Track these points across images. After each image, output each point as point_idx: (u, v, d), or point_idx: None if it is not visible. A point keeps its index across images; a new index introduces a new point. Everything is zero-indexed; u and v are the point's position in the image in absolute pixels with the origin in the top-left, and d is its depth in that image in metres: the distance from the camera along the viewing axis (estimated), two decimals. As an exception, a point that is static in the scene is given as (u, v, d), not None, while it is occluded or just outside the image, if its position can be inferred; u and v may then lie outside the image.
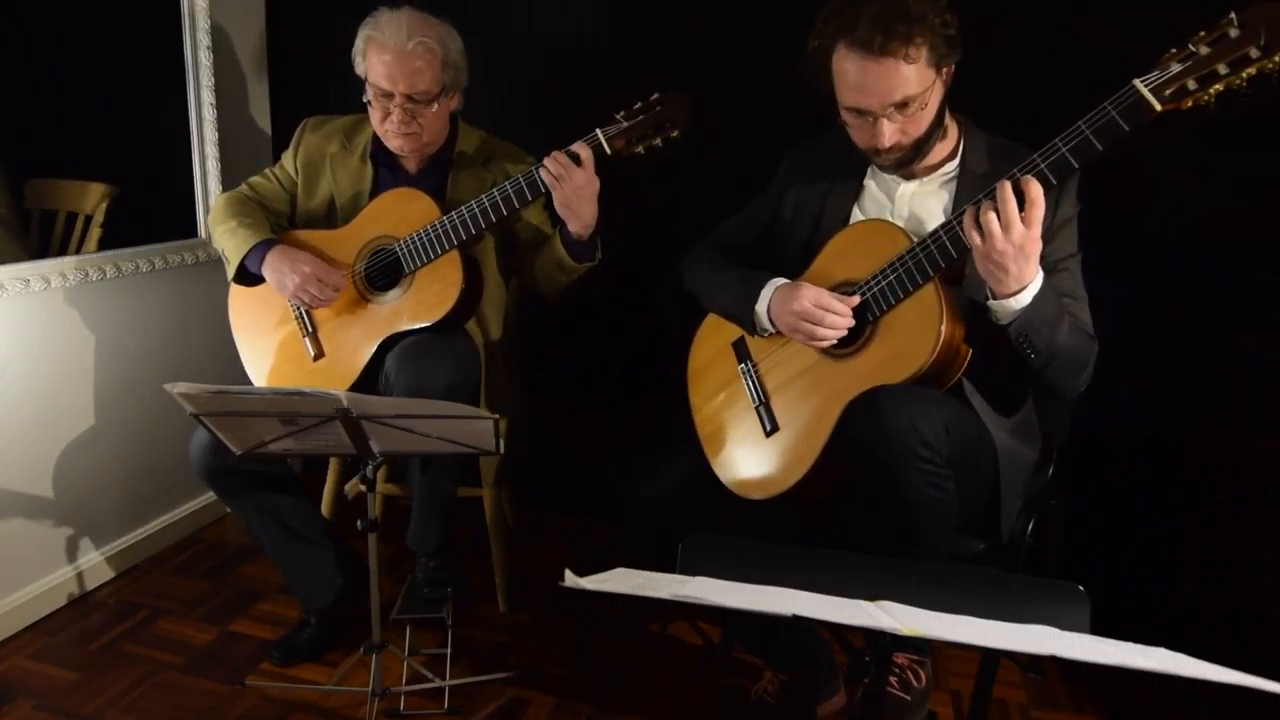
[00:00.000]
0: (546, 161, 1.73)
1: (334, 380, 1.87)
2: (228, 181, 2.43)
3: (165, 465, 2.39)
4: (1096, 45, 1.71)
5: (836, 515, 1.53)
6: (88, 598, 2.18)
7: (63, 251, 2.10)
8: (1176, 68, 1.20)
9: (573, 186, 1.72)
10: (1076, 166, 1.29)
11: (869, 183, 1.62)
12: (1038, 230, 1.28)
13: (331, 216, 1.98)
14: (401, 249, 1.83)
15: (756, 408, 1.57)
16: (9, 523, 2.01)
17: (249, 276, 1.91)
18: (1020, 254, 1.28)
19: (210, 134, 2.41)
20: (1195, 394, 1.99)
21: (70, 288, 2.08)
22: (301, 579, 1.94)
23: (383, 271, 1.88)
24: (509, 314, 2.11)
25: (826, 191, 1.64)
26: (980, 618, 0.97)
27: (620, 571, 1.04)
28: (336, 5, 1.90)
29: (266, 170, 2.06)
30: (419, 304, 1.83)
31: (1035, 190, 1.27)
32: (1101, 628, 0.97)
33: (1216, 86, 1.18)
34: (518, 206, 1.79)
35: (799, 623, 1.53)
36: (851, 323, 1.46)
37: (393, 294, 1.86)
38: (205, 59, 2.36)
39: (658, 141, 1.73)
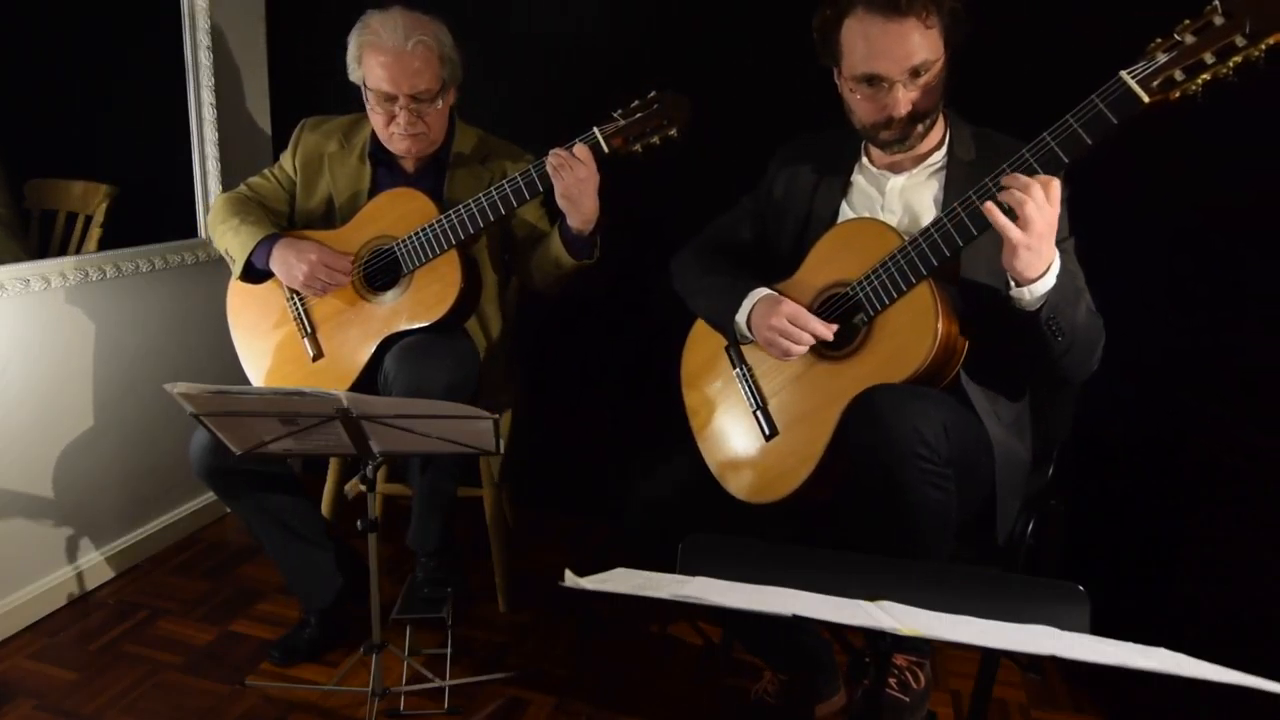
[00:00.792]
0: (549, 155, 1.73)
1: (333, 380, 1.87)
2: (228, 181, 2.43)
3: (165, 465, 2.39)
4: (1083, 37, 1.72)
5: (836, 516, 1.53)
6: (88, 598, 2.18)
7: (63, 251, 2.10)
8: (1163, 58, 1.20)
9: (574, 178, 1.72)
10: (1066, 160, 1.29)
11: (858, 178, 1.62)
12: (1059, 208, 1.27)
13: (330, 216, 1.98)
14: (400, 249, 1.83)
15: (754, 412, 1.56)
16: (9, 523, 2.01)
17: (254, 274, 1.92)
18: (1052, 234, 1.28)
19: (210, 134, 2.41)
20: (1195, 393, 1.99)
21: (70, 288, 2.08)
22: (301, 579, 1.94)
23: (381, 271, 1.88)
24: (508, 313, 2.11)
25: (815, 187, 1.64)
26: (980, 618, 0.97)
27: (620, 571, 1.04)
28: (336, 5, 1.90)
29: (265, 170, 2.06)
30: (418, 304, 1.83)
31: (1054, 185, 1.26)
32: (1101, 628, 0.97)
33: (1204, 76, 1.18)
34: (515, 205, 1.80)
35: (799, 623, 1.53)
36: (829, 341, 1.47)
37: (391, 294, 1.86)
38: (205, 59, 2.36)
39: (655, 140, 1.73)
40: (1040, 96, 1.36)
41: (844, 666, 1.73)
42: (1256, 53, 1.15)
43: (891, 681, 1.62)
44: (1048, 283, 1.30)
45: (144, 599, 2.17)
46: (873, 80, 1.44)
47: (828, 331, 1.46)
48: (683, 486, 1.62)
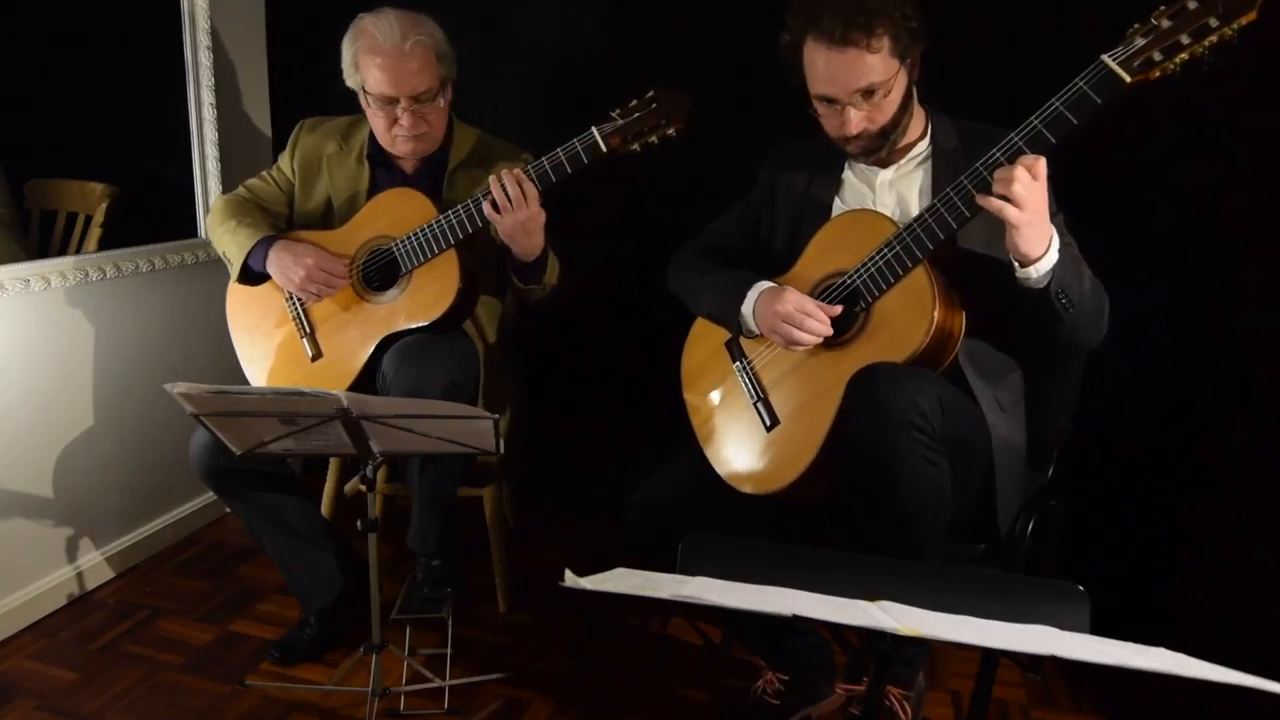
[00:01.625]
0: (494, 191, 1.72)
1: (332, 380, 1.87)
2: (228, 181, 2.43)
3: (165, 465, 2.39)
4: (1063, 31, 1.73)
5: (836, 515, 1.53)
6: (88, 598, 2.18)
7: (63, 251, 2.10)
8: (1141, 41, 1.26)
9: (515, 221, 1.73)
10: (1053, 140, 1.33)
11: (848, 175, 1.66)
12: (1045, 184, 1.31)
13: (329, 217, 1.99)
14: (398, 248, 1.83)
15: (755, 404, 1.58)
16: (9, 523, 2.01)
17: (252, 276, 1.92)
18: (1044, 209, 1.31)
19: (210, 134, 2.41)
20: (1195, 393, 1.99)
21: (70, 288, 2.08)
22: (301, 579, 1.94)
23: (380, 271, 1.88)
24: (506, 313, 2.11)
25: (807, 185, 1.68)
26: (980, 618, 0.97)
27: (620, 571, 1.04)
28: (336, 5, 1.90)
29: (263, 173, 2.06)
30: (416, 303, 1.83)
31: (1040, 163, 1.30)
32: (1101, 628, 0.97)
33: (1181, 56, 1.25)
34: None
35: (798, 622, 1.54)
36: (829, 332, 1.48)
37: (390, 293, 1.86)
38: (205, 59, 2.36)
39: (654, 139, 1.73)
40: (1024, 91, 1.38)
41: (843, 667, 1.73)
42: (1229, 32, 1.22)
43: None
44: (1051, 258, 1.33)
45: (144, 599, 2.17)
46: (828, 101, 1.51)
47: (830, 316, 1.48)
48: (683, 486, 1.62)
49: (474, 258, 1.90)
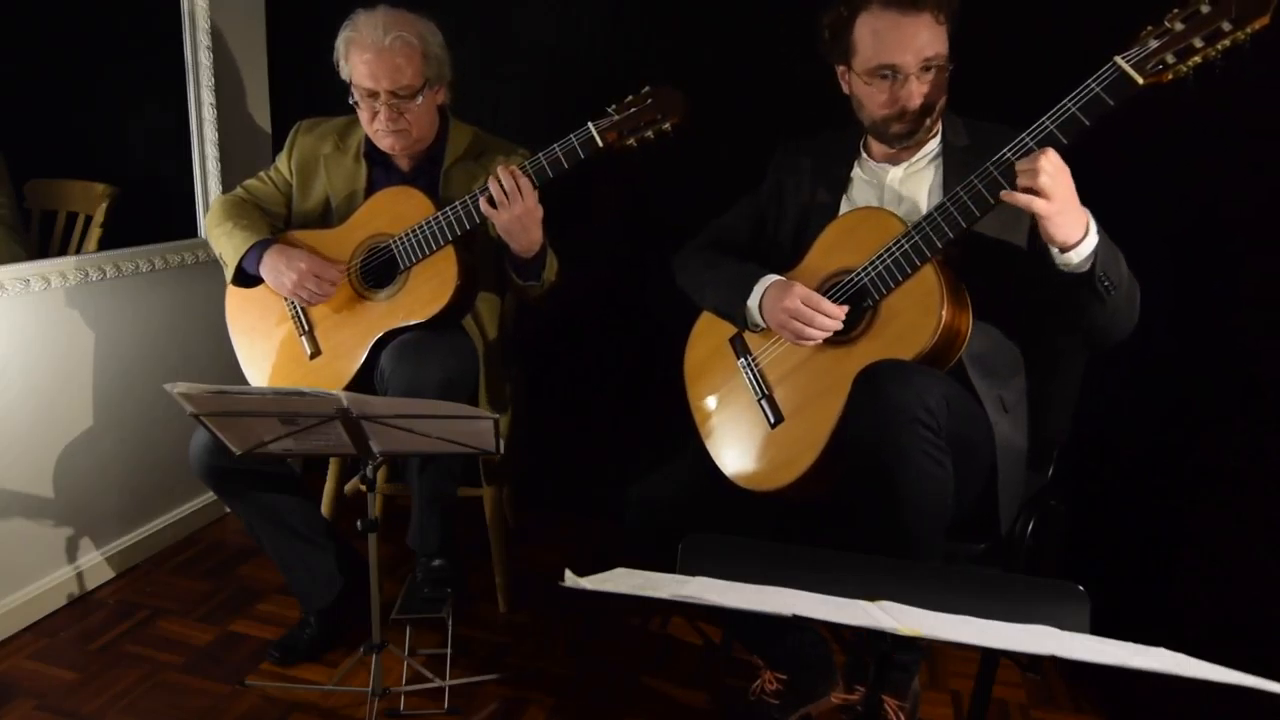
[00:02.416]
0: (491, 187, 1.73)
1: (330, 377, 1.87)
2: (228, 181, 2.43)
3: (165, 465, 2.39)
4: (1077, 32, 1.73)
5: (836, 515, 1.53)
6: (88, 598, 2.18)
7: (63, 251, 2.10)
8: (1154, 44, 1.27)
9: (512, 215, 1.73)
10: (1065, 141, 1.33)
11: (857, 172, 1.65)
12: (1068, 168, 1.31)
13: (327, 217, 1.99)
14: (396, 246, 1.84)
15: (759, 400, 1.57)
16: (9, 523, 2.01)
17: (247, 279, 1.92)
18: (1074, 196, 1.31)
19: (210, 134, 2.41)
20: (1195, 393, 1.99)
21: (70, 288, 2.08)
22: (301, 579, 1.94)
23: (378, 269, 1.88)
24: (507, 312, 2.12)
25: (815, 184, 1.67)
26: (980, 618, 0.97)
27: (620, 571, 1.04)
28: (336, 5, 1.90)
29: (261, 173, 2.07)
30: (414, 300, 1.83)
31: (1050, 152, 1.31)
32: (1101, 628, 0.97)
33: (1194, 59, 1.25)
34: None
35: (798, 622, 1.54)
36: (839, 326, 1.48)
37: (388, 291, 1.87)
38: (205, 59, 2.36)
39: (650, 135, 1.73)
40: (1037, 91, 1.39)
41: (843, 667, 1.73)
42: (1242, 36, 1.22)
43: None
44: (1092, 241, 1.33)
45: (144, 599, 2.17)
46: (888, 73, 1.49)
47: (840, 312, 1.48)
48: (683, 486, 1.62)
49: (473, 255, 1.90)
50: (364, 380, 1.86)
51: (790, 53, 2.16)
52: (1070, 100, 1.32)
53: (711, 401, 1.66)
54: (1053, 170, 1.28)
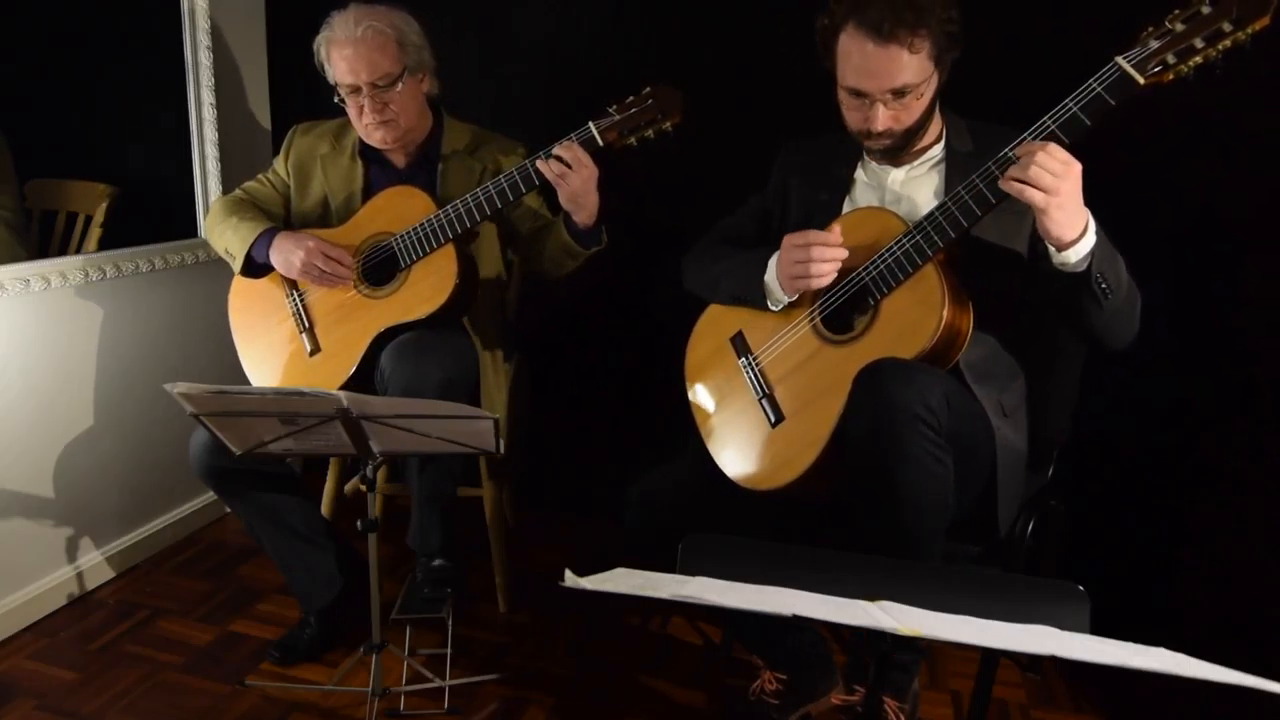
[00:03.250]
0: (549, 163, 1.74)
1: (329, 374, 1.87)
2: (228, 181, 2.43)
3: (165, 465, 2.39)
4: (1078, 34, 1.73)
5: (836, 515, 1.53)
6: (88, 598, 2.18)
7: (63, 251, 2.10)
8: (1155, 44, 1.28)
9: (579, 181, 1.74)
10: (1067, 141, 1.33)
11: (860, 174, 1.65)
12: (1077, 163, 1.30)
13: (326, 217, 2.00)
14: (397, 244, 1.85)
15: (760, 400, 1.57)
16: (9, 523, 2.01)
17: (255, 269, 1.93)
18: (1077, 189, 1.30)
19: (210, 134, 2.41)
20: (1195, 393, 1.99)
21: (70, 288, 2.08)
22: (300, 579, 1.94)
23: (379, 267, 1.89)
24: (508, 312, 2.12)
25: (818, 185, 1.67)
26: (980, 618, 0.97)
27: (620, 571, 1.04)
28: (336, 5, 1.90)
29: (259, 175, 2.08)
30: (414, 296, 1.84)
31: (1060, 148, 1.30)
32: (1101, 628, 0.97)
33: (1195, 60, 1.26)
34: (512, 199, 1.81)
35: (798, 622, 1.54)
36: (844, 254, 1.48)
37: (388, 288, 1.87)
38: (205, 59, 2.36)
39: (650, 134, 1.74)
40: (1038, 92, 1.38)
41: (843, 667, 1.73)
42: (1243, 36, 1.22)
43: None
44: (1089, 240, 1.32)
45: (144, 599, 2.17)
46: (856, 95, 1.49)
47: (837, 238, 1.48)
48: (683, 485, 1.62)
49: (472, 256, 1.90)
50: (364, 379, 1.86)
51: (790, 53, 2.15)
52: (1072, 100, 1.33)
53: (712, 401, 1.66)
54: (1053, 163, 1.27)
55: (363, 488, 1.63)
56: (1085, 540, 2.00)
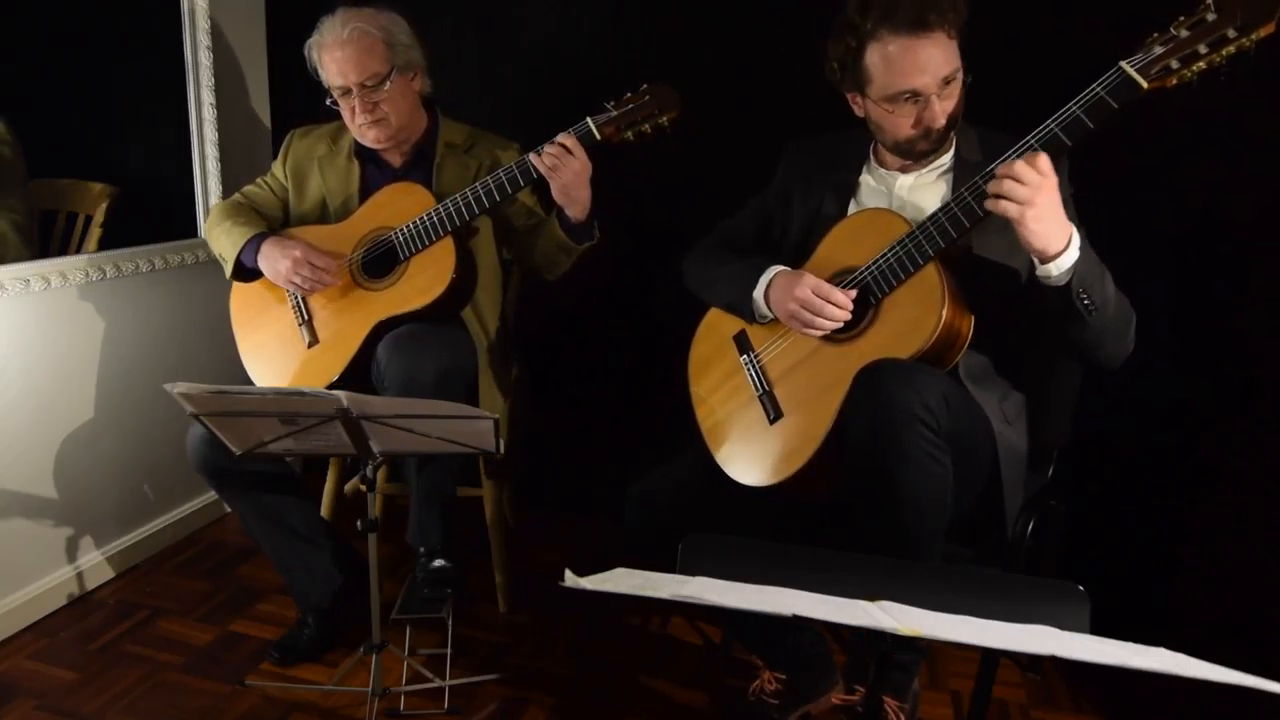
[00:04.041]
0: (542, 155, 1.76)
1: (326, 365, 1.88)
2: (228, 181, 2.43)
3: (165, 465, 2.39)
4: (1081, 39, 1.73)
5: (836, 515, 1.53)
6: (88, 598, 2.18)
7: (63, 251, 2.10)
8: (1159, 49, 1.28)
9: (571, 173, 1.75)
10: (1069, 144, 1.34)
11: (865, 178, 1.65)
12: (1054, 177, 1.31)
13: (324, 217, 2.01)
14: (397, 237, 1.86)
15: (759, 396, 1.57)
16: (9, 523, 2.01)
17: (245, 273, 1.94)
18: (1054, 202, 1.31)
19: (210, 134, 2.41)
20: (1195, 393, 1.99)
21: (70, 288, 2.08)
22: (296, 576, 1.94)
23: (379, 261, 1.90)
24: (507, 311, 2.12)
25: (823, 187, 1.66)
26: (980, 618, 0.97)
27: (620, 571, 1.04)
28: (336, 6, 1.90)
29: (259, 179, 2.09)
30: (412, 288, 1.85)
31: (1040, 157, 1.31)
32: (1101, 628, 0.97)
33: (1198, 65, 1.26)
34: (510, 192, 1.82)
35: (797, 622, 1.54)
36: (849, 316, 1.48)
37: (387, 280, 1.89)
38: (205, 59, 2.36)
39: (646, 129, 1.76)
40: (1042, 95, 1.38)
41: (843, 667, 1.73)
42: (1247, 42, 1.23)
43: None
44: (1071, 255, 1.33)
45: (144, 599, 2.17)
46: (910, 97, 1.47)
47: (848, 303, 1.47)
48: (684, 485, 1.62)
49: (471, 250, 1.91)
50: (360, 371, 1.87)
51: (790, 53, 2.16)
52: (1075, 103, 1.33)
53: (712, 397, 1.66)
54: (1026, 175, 1.28)
55: (363, 488, 1.63)
56: (1085, 540, 2.00)
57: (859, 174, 1.65)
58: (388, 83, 1.86)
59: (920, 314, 1.42)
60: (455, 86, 2.04)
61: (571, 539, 2.55)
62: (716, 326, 1.70)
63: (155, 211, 2.35)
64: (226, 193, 2.12)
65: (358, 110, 1.87)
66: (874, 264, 1.47)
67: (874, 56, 1.47)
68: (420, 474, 1.87)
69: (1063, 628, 0.94)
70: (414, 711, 1.76)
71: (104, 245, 2.16)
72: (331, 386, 1.73)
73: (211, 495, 2.55)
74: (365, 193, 1.98)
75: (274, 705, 1.79)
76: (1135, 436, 2.05)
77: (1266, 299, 1.90)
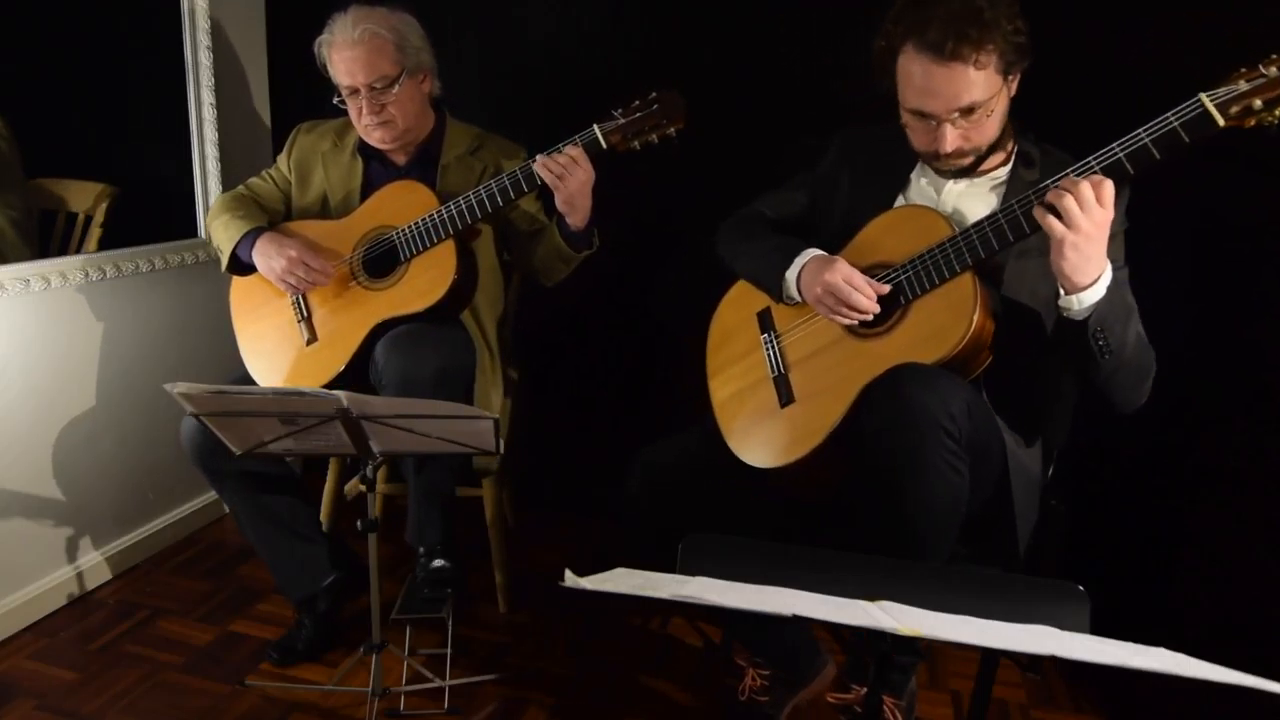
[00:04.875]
0: (548, 163, 1.75)
1: (324, 364, 1.88)
2: (228, 181, 2.43)
3: (165, 465, 2.39)
4: (1156, 64, 1.69)
5: (836, 515, 1.53)
6: (88, 598, 2.18)
7: (63, 251, 2.10)
8: (1245, 86, 1.21)
9: (576, 183, 1.75)
10: (1131, 172, 1.28)
11: (915, 177, 1.61)
12: (1112, 212, 1.26)
13: (325, 213, 2.01)
14: (398, 237, 1.85)
15: (774, 378, 1.56)
16: (9, 523, 2.01)
17: (243, 267, 1.94)
18: (1100, 236, 1.27)
19: (210, 134, 2.41)
20: (1195, 394, 1.99)
21: (70, 288, 2.08)
22: (284, 566, 1.93)
23: (379, 259, 1.89)
24: (506, 311, 2.12)
25: (871, 181, 1.62)
26: (980, 618, 0.97)
27: (620, 571, 1.04)
28: (336, 5, 1.90)
29: (263, 172, 2.09)
30: (412, 290, 1.84)
31: (1106, 185, 1.26)
32: (1101, 628, 0.97)
33: None
34: (514, 197, 1.82)
35: (796, 622, 1.53)
36: (877, 309, 1.45)
37: (387, 281, 1.88)
38: (205, 59, 2.36)
39: (654, 138, 1.75)
40: (1107, 118, 1.35)
41: (842, 666, 1.73)
42: None
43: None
44: (1097, 292, 1.30)
45: (144, 599, 2.17)
46: (922, 116, 1.44)
47: (876, 295, 1.44)
48: (691, 457, 1.61)
49: (473, 253, 1.91)
50: (359, 370, 1.87)
51: (790, 53, 2.16)
52: (1145, 131, 1.26)
53: (727, 372, 1.64)
54: (1086, 198, 1.24)
55: (363, 488, 1.63)
56: (1085, 540, 2.00)
57: (912, 169, 1.60)
58: (397, 85, 1.86)
59: (949, 321, 1.39)
60: (455, 86, 2.03)
61: (571, 539, 2.55)
62: (740, 302, 1.67)
63: (155, 211, 2.35)
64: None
65: (365, 111, 1.87)
66: (911, 264, 1.44)
67: (901, 64, 1.43)
68: (419, 474, 1.87)
69: (1063, 628, 0.94)
70: (414, 711, 1.76)
71: (104, 245, 2.16)
72: (330, 386, 1.73)
73: (211, 495, 2.55)
74: (367, 190, 1.97)
75: (274, 705, 1.79)
76: (1135, 436, 2.05)
77: (1268, 299, 1.89)
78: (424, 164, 1.99)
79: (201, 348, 2.46)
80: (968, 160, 1.47)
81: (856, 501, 1.43)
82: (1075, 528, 1.81)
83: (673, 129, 1.74)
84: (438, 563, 1.93)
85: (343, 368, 1.86)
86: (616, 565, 1.07)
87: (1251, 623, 1.87)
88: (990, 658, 1.63)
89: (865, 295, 1.44)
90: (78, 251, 2.12)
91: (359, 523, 1.64)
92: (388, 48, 1.84)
